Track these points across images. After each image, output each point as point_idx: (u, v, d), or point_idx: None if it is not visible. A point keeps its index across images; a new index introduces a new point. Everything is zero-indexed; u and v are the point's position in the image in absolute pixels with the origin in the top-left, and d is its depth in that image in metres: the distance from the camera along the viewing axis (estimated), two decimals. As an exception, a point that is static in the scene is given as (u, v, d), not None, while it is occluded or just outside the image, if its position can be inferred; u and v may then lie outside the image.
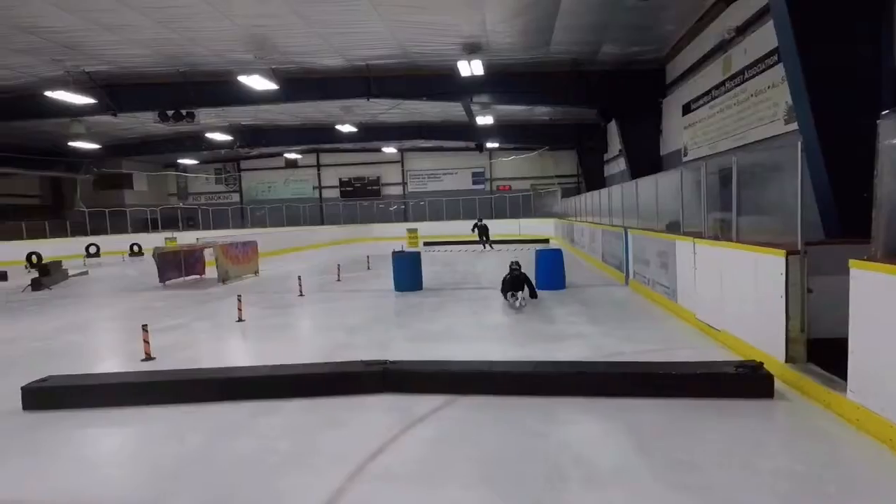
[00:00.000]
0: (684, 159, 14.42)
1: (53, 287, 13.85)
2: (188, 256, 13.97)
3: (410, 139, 28.68)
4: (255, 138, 27.40)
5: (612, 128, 22.58)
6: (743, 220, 5.44)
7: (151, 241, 28.90)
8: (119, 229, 31.95)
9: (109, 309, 10.20)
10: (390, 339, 6.61)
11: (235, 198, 37.89)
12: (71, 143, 25.30)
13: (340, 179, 37.11)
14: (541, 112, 23.48)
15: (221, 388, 4.42)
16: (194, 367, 4.76)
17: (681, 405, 3.93)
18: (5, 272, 16.84)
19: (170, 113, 17.91)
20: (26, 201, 30.89)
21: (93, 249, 25.11)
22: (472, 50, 14.26)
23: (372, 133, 26.62)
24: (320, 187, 37.46)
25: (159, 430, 3.98)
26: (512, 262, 8.77)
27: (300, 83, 16.88)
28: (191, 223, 35.89)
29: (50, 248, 23.23)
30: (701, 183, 6.52)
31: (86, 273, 17.39)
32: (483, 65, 14.12)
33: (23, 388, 4.38)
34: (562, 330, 6.78)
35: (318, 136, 27.65)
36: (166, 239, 27.60)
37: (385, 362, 4.59)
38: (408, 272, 10.30)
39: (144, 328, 5.87)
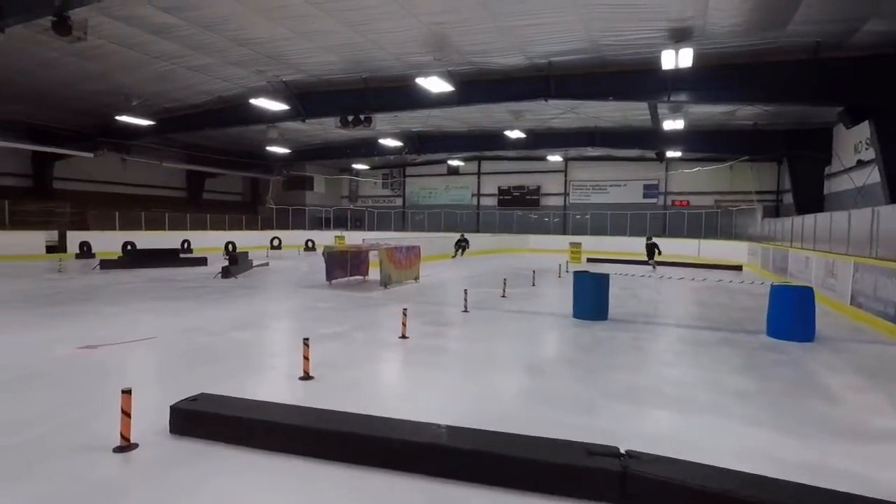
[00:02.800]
0: None
1: (239, 276, 14.90)
2: (354, 257, 13.97)
3: (579, 147, 26.58)
4: (422, 145, 27.84)
5: (844, 135, 18.01)
6: None
7: (323, 237, 31.23)
8: (298, 225, 35.24)
9: (279, 304, 10.23)
10: (591, 395, 5.00)
11: (399, 202, 39.47)
12: (268, 148, 28.37)
13: (499, 187, 36.39)
14: (744, 115, 19.74)
15: (391, 453, 3.28)
16: (357, 414, 3.71)
17: None
18: (205, 258, 18.93)
19: (350, 118, 18.58)
20: (230, 198, 35.65)
21: (276, 242, 27.76)
22: (680, 37, 11.99)
23: (540, 140, 25.20)
24: (479, 195, 37.17)
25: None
26: None
27: (475, 85, 16.14)
28: (358, 223, 38.26)
29: (243, 239, 26.14)
30: None
31: (266, 265, 18.78)
32: (692, 55, 11.76)
33: (172, 408, 3.74)
34: (861, 420, 4.49)
35: (483, 143, 27.06)
36: (336, 237, 29.43)
37: (619, 454, 3.02)
38: (592, 297, 8.57)
39: (305, 342, 5.12)
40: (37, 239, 21.28)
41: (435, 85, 14.83)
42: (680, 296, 12.43)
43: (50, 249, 21.40)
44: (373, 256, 14.56)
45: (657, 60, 12.63)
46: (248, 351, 6.51)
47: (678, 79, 13.47)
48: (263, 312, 9.27)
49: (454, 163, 34.82)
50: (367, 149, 29.16)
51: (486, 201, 37.08)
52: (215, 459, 3.44)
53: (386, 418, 3.68)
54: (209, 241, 26.51)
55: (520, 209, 35.54)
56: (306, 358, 5.11)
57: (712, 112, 19.74)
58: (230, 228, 30.34)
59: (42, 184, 24.68)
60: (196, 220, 28.89)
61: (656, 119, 19.79)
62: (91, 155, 23.46)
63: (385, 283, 12.31)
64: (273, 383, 5.09)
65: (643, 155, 30.38)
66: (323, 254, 12.75)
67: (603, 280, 8.67)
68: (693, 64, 12.21)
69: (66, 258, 19.95)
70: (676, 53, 11.66)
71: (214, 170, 30.75)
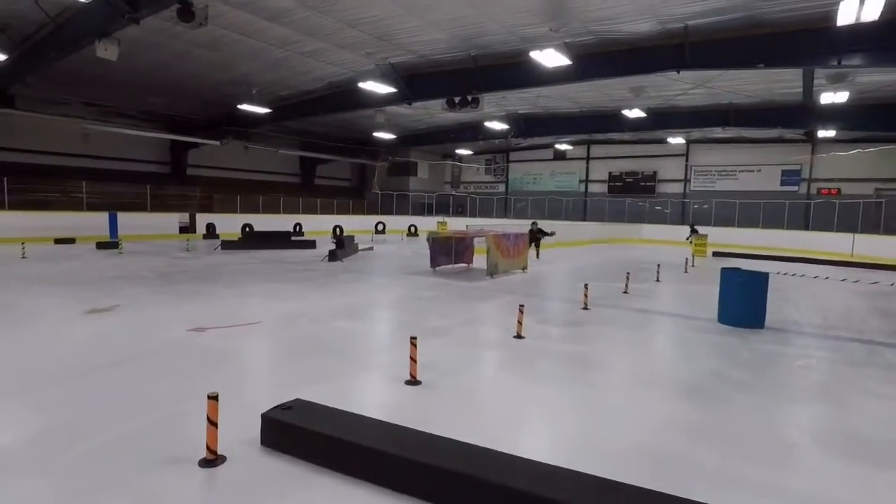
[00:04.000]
0: None
1: (345, 259, 14.96)
2: (458, 244, 13.32)
3: (707, 127, 23.62)
4: (529, 128, 26.49)
5: None
6: None
7: (426, 223, 31.21)
8: (402, 211, 35.66)
9: (383, 292, 9.83)
10: (779, 436, 3.77)
11: (501, 188, 38.44)
12: (375, 134, 28.75)
13: (610, 173, 33.92)
14: (934, 82, 16.05)
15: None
16: (478, 448, 2.91)
17: None
18: (314, 241, 19.45)
19: (457, 100, 17.90)
20: (339, 183, 36.95)
21: (380, 227, 28.13)
22: (866, -19, 9.63)
23: (661, 120, 22.72)
24: (587, 181, 34.99)
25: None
26: None
27: (595, 58, 14.59)
28: (460, 210, 37.91)
29: (350, 223, 26.81)
30: None
31: (371, 249, 18.86)
32: (883, 4, 9.39)
33: (264, 416, 3.21)
34: None
35: (595, 125, 25.05)
36: (438, 223, 29.21)
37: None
38: (746, 300, 7.04)
39: (413, 342, 4.43)
40: (171, 220, 23.38)
41: (550, 59, 13.58)
42: (846, 301, 10.19)
43: (182, 230, 23.42)
44: (477, 243, 13.85)
45: (828, 16, 10.36)
46: (352, 345, 6.03)
47: (856, 36, 10.96)
48: (368, 300, 8.90)
49: (561, 147, 32.96)
50: (472, 133, 28.45)
51: (594, 188, 34.83)
52: (309, 488, 2.84)
53: (512, 458, 2.84)
54: (319, 225, 27.55)
55: (632, 196, 32.88)
56: (413, 360, 4.43)
57: (887, 80, 16.27)
58: (338, 213, 31.42)
59: (178, 170, 27.13)
60: (307, 205, 30.26)
61: (810, 91, 16.82)
62: (218, 143, 25.24)
63: (491, 272, 11.51)
64: (377, 388, 4.48)
65: (782, 136, 26.47)
66: (427, 240, 12.24)
67: (761, 280, 7.09)
68: (881, 17, 9.79)
69: (194, 238, 21.66)
70: (861, 4, 9.36)
71: (325, 156, 31.92)
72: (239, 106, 21.19)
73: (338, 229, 24.62)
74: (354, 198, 35.32)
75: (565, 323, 7.17)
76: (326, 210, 31.18)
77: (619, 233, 28.97)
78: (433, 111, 24.19)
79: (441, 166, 39.79)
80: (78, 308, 7.34)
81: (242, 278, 11.02)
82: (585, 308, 8.12)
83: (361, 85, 17.34)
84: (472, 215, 37.02)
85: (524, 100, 22.12)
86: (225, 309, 7.76)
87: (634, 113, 20.74)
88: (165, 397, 4.11)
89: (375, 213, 33.85)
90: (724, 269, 7.26)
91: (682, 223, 30.31)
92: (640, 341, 6.40)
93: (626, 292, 9.89)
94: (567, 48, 13.84)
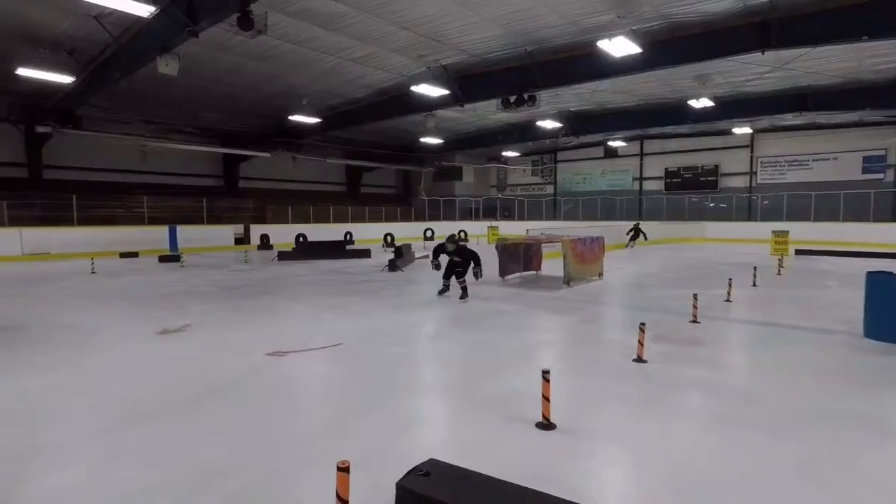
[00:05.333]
0: None
1: (405, 269, 14.41)
2: (527, 250, 12.53)
3: (779, 113, 21.85)
4: (581, 125, 25.39)
5: None
6: None
7: (474, 228, 30.49)
8: (448, 216, 35.11)
9: (459, 306, 9.13)
10: None
11: (549, 189, 37.30)
12: (421, 140, 28.34)
13: (666, 169, 32.26)
14: None
15: None
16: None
17: None
18: (369, 250, 19.07)
19: (511, 99, 17.16)
20: (384, 191, 36.78)
21: (429, 233, 27.64)
22: None
23: (727, 109, 21.20)
24: (641, 178, 33.43)
25: None
26: None
27: (666, 44, 13.53)
28: (506, 213, 37.00)
29: (398, 230, 26.42)
30: None
31: (427, 257, 18.21)
32: None
33: (399, 488, 2.55)
34: None
35: (654, 118, 23.68)
36: (489, 227, 28.46)
37: None
38: (903, 310, 5.94)
39: (545, 376, 3.69)
40: (227, 232, 23.61)
41: (620, 48, 12.66)
42: None
43: (237, 241, 23.62)
44: (546, 249, 13.04)
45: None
46: (451, 372, 5.36)
47: None
48: (445, 315, 8.24)
49: (614, 144, 31.56)
50: (521, 134, 27.59)
51: (649, 185, 33.22)
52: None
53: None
54: (368, 233, 27.32)
55: (692, 193, 31.12)
56: (546, 398, 3.69)
57: None
58: (387, 220, 31.15)
59: (230, 182, 27.51)
60: (356, 213, 30.12)
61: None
62: (268, 155, 25.41)
63: (568, 280, 10.66)
64: (505, 434, 3.68)
65: (862, 119, 24.27)
66: (496, 247, 11.49)
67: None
68: None
69: (249, 250, 21.73)
70: None
71: (371, 164, 31.79)
72: (289, 117, 21.18)
73: (389, 237, 24.26)
74: (400, 205, 35.02)
75: (682, 341, 6.25)
76: (375, 218, 30.97)
77: (680, 232, 27.35)
78: (482, 113, 23.54)
79: (486, 170, 39.02)
80: (149, 328, 7.01)
81: (306, 291, 10.61)
82: (695, 321, 7.16)
83: (414, 88, 16.86)
84: (521, 218, 36.07)
85: (578, 96, 21.15)
86: (298, 328, 7.27)
87: (702, 102, 19.37)
88: (261, 446, 3.54)
89: (422, 219, 33.41)
90: (870, 273, 6.18)
91: (750, 219, 28.44)
92: (787, 365, 5.39)
93: (728, 300, 8.83)
94: (634, 35, 12.86)
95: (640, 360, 5.29)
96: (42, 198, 19.52)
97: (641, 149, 33.00)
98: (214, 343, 6.37)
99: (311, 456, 3.34)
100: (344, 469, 2.31)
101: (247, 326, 7.31)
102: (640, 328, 5.37)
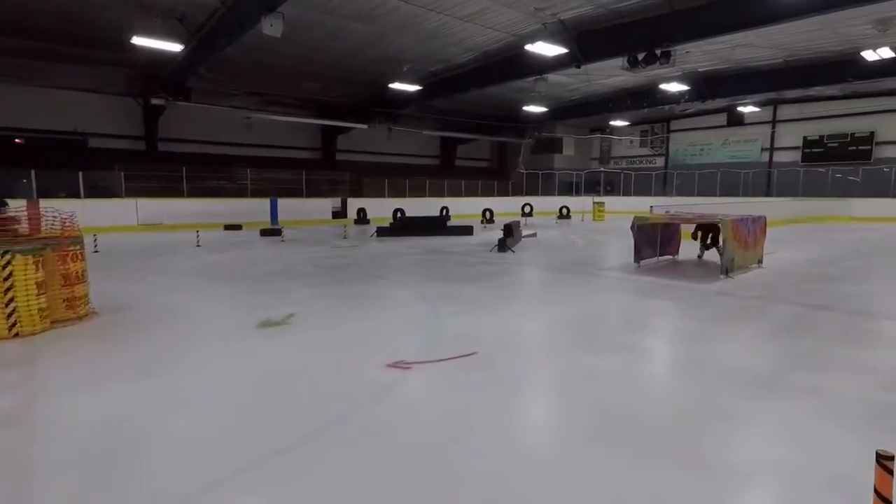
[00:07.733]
0: None
1: (515, 249, 13.04)
2: (664, 231, 10.62)
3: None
4: (709, 89, 22.10)
5: None
6: None
7: (575, 204, 28.29)
8: (547, 191, 33.08)
9: (603, 301, 7.61)
10: None
11: (659, 162, 33.81)
12: (525, 108, 26.42)
13: (805, 138, 27.76)
14: None
15: None
16: None
17: None
18: (472, 227, 17.86)
19: (640, 56, 14.87)
20: (479, 164, 35.31)
21: (527, 209, 25.91)
22: None
23: (906, 62, 17.21)
24: (772, 149, 29.14)
25: None
26: None
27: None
28: (609, 188, 34.19)
29: (495, 205, 24.97)
30: None
31: (535, 235, 16.74)
32: None
33: None
34: None
35: (804, 77, 19.91)
36: (594, 203, 26.20)
37: None
38: None
39: (887, 464, 2.15)
40: (325, 206, 23.52)
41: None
42: None
43: (335, 215, 23.46)
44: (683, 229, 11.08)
45: None
46: (640, 408, 3.91)
47: None
48: (591, 313, 6.75)
49: (746, 109, 27.50)
50: (634, 100, 24.71)
51: (781, 156, 28.88)
52: None
53: None
54: (464, 208, 26.19)
55: (837, 164, 26.54)
56: (883, 497, 2.16)
57: None
58: (482, 194, 29.83)
59: (328, 155, 27.45)
60: (451, 187, 29.06)
61: None
62: (366, 126, 24.84)
63: (727, 268, 8.72)
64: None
65: None
66: (632, 227, 9.71)
67: None
68: None
69: (347, 224, 21.42)
70: None
71: (467, 135, 30.42)
72: (390, 85, 20.27)
73: (488, 212, 22.92)
74: (495, 178, 33.44)
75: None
76: (471, 192, 29.76)
77: (819, 210, 23.39)
78: (592, 76, 21.21)
79: (587, 141, 36.20)
80: (249, 319, 6.21)
81: (414, 275, 9.58)
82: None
83: (528, 47, 15.09)
84: (626, 193, 33.17)
85: (711, 53, 18.27)
86: (415, 325, 6.16)
87: (885, 52, 15.71)
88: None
89: (520, 194, 31.67)
90: None
91: (913, 196, 23.72)
92: None
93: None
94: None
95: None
96: (157, 170, 20.31)
97: (774, 115, 28.64)
98: (322, 344, 5.40)
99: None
100: None
101: (356, 319, 6.35)
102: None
